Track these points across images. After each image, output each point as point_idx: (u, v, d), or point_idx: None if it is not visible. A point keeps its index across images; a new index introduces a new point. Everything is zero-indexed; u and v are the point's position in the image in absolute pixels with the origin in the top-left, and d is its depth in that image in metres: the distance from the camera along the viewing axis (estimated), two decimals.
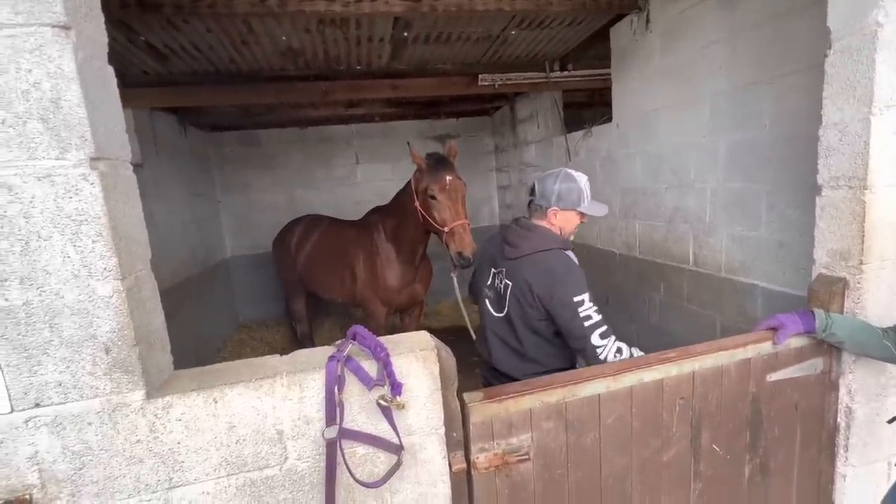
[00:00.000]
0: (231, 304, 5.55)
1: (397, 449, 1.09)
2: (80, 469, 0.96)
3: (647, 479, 1.41)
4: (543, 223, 1.70)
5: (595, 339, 1.48)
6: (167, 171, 4.07)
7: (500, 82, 4.03)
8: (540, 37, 3.46)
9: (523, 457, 1.24)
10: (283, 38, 2.94)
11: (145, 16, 2.32)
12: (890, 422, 1.48)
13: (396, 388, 1.07)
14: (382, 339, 1.14)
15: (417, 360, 1.12)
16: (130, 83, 3.22)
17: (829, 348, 1.52)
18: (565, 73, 4.07)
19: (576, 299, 1.50)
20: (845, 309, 1.50)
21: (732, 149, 2.33)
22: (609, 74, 3.44)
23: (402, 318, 3.67)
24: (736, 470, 1.51)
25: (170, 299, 4.03)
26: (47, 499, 0.95)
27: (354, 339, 1.12)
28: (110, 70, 0.99)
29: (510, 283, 1.66)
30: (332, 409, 1.04)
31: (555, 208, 1.66)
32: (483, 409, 1.22)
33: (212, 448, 1.02)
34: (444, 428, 1.17)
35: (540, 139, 4.68)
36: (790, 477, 1.58)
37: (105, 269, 0.92)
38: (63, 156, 0.87)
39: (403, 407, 1.10)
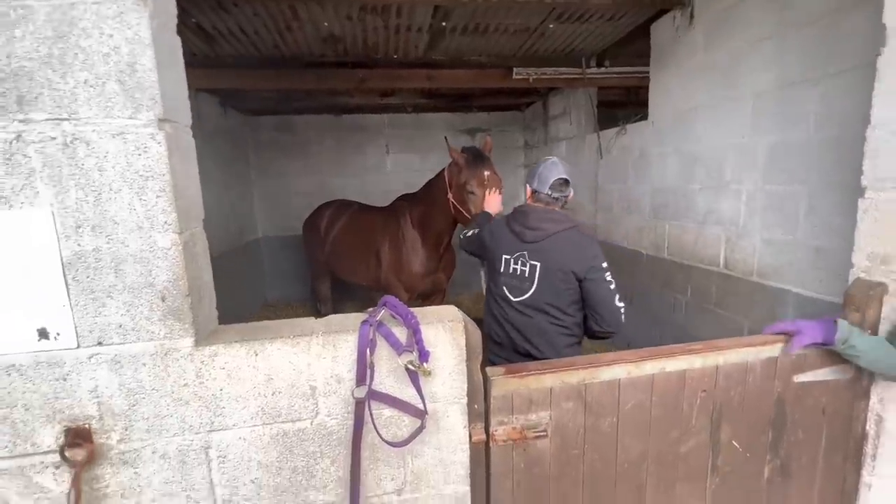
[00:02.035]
0: (259, 283, 5.74)
1: (421, 414, 1.14)
2: (134, 405, 1.05)
3: (662, 468, 1.42)
4: (555, 208, 1.85)
5: (617, 301, 1.73)
6: (207, 150, 4.24)
7: (534, 76, 4.02)
8: (578, 31, 3.44)
9: (541, 433, 1.28)
10: (326, 24, 3.02)
11: None
12: None
13: (424, 355, 1.12)
14: (412, 309, 1.19)
15: (445, 331, 1.16)
16: None
17: None
18: (602, 69, 4.02)
19: (604, 265, 1.73)
20: (882, 315, 1.46)
21: (773, 150, 2.28)
22: (646, 73, 3.39)
23: (423, 305, 3.73)
24: (755, 469, 1.50)
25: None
26: (104, 430, 1.04)
27: (386, 307, 1.17)
28: (178, 40, 1.07)
29: (538, 264, 1.76)
30: (363, 370, 1.10)
31: (571, 192, 1.88)
32: (505, 383, 1.25)
33: (250, 397, 1.10)
34: (466, 398, 1.21)
35: (571, 136, 4.65)
36: (812, 481, 1.55)
37: (165, 222, 0.99)
38: (135, 116, 0.95)
39: (430, 374, 1.15)
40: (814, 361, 1.46)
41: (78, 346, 1.00)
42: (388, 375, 1.15)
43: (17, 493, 1.03)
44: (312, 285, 4.59)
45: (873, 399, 1.52)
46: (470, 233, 2.19)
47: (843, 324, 1.37)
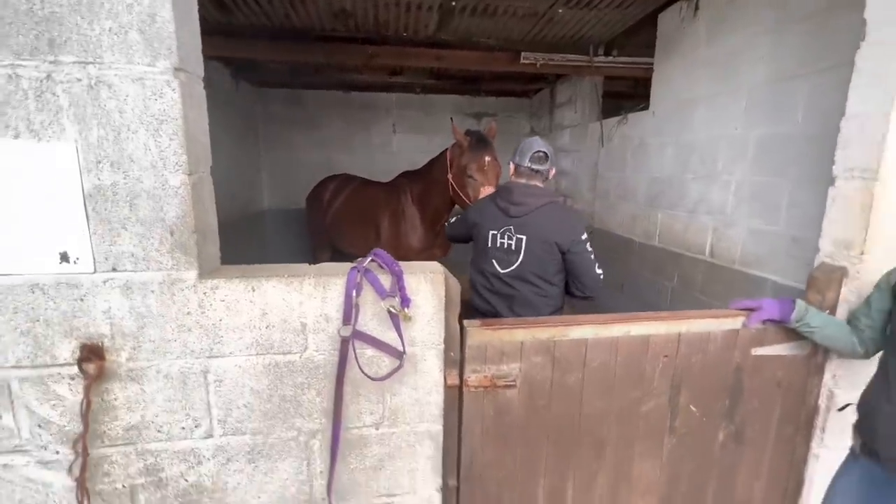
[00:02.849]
0: (263, 253, 5.88)
1: (400, 354, 1.25)
2: (142, 328, 1.17)
3: (623, 425, 1.53)
4: (537, 182, 1.95)
5: (597, 269, 1.89)
6: (215, 118, 4.29)
7: (542, 62, 4.05)
8: (587, 18, 3.47)
9: (510, 383, 1.39)
10: None
11: None
12: (841, 409, 1.54)
13: (406, 301, 1.23)
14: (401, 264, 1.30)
15: (427, 281, 1.27)
16: None
17: None
18: (609, 58, 4.06)
19: (584, 237, 1.87)
20: (841, 297, 1.56)
21: (762, 142, 2.35)
22: (652, 64, 3.43)
23: None
24: (710, 433, 1.61)
25: None
26: (115, 348, 1.17)
27: (375, 257, 1.28)
28: None
29: (524, 237, 1.88)
30: (349, 311, 1.21)
31: (552, 169, 1.98)
32: (479, 334, 1.37)
33: (246, 329, 1.21)
34: (443, 345, 1.33)
35: (575, 124, 4.70)
36: (764, 449, 1.67)
37: (177, 163, 1.10)
38: (154, 63, 1.05)
39: (410, 319, 1.26)
40: (772, 336, 1.56)
41: (94, 271, 1.12)
42: (372, 318, 1.26)
43: (36, 399, 1.16)
44: (313, 257, 4.71)
45: (827, 375, 1.63)
46: (454, 219, 2.30)
47: (800, 304, 1.47)
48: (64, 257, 1.10)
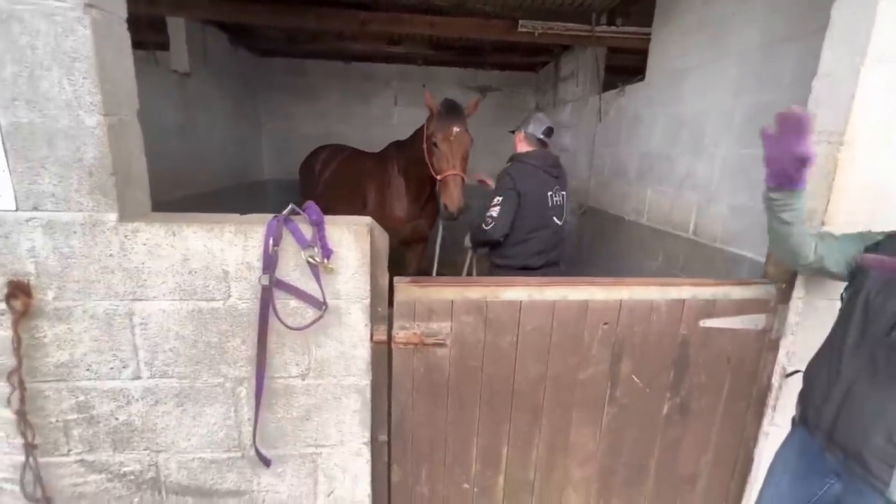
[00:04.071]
0: None
1: (320, 304, 1.25)
2: (66, 268, 1.19)
3: (560, 392, 1.51)
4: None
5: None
6: (213, 86, 4.35)
7: (540, 30, 3.91)
8: None
9: (440, 341, 1.38)
10: None
11: None
12: (788, 375, 1.48)
13: (326, 251, 1.22)
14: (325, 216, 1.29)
15: (350, 233, 1.26)
16: None
17: (774, 306, 1.52)
18: (612, 28, 3.88)
19: None
20: (798, 277, 1.48)
21: (749, 112, 2.22)
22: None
23: (405, 252, 3.84)
24: (654, 405, 1.58)
25: (205, 203, 4.45)
26: (41, 286, 1.20)
27: (304, 210, 1.27)
28: None
29: (564, 192, 2.50)
30: (269, 260, 1.21)
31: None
32: (408, 290, 1.35)
33: (168, 274, 1.23)
34: (369, 299, 1.32)
35: (576, 98, 4.54)
36: (711, 424, 1.63)
37: (91, 103, 1.10)
38: None
39: (332, 271, 1.26)
40: (724, 309, 1.50)
41: (17, 209, 1.14)
42: (295, 269, 1.26)
43: None
44: None
45: (781, 352, 1.56)
46: (495, 212, 2.32)
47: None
48: None
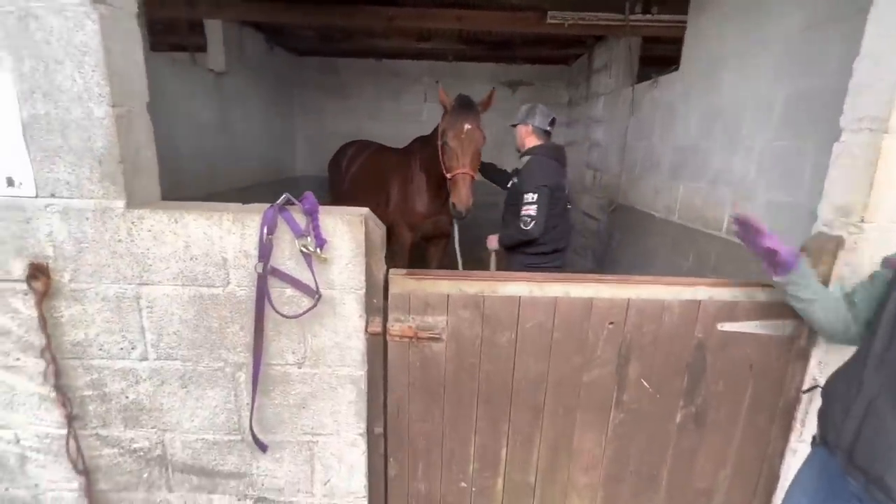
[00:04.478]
0: None
1: (314, 293, 1.25)
2: (80, 252, 1.26)
3: (563, 393, 1.45)
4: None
5: None
6: (249, 84, 4.52)
7: (570, 21, 3.78)
8: None
9: (435, 335, 1.35)
10: None
11: None
12: (806, 391, 1.34)
13: (320, 241, 1.23)
14: (325, 207, 1.29)
15: (344, 223, 1.25)
16: None
17: None
18: (647, 16, 3.69)
19: None
20: (834, 272, 1.34)
21: (790, 101, 2.04)
22: None
23: (427, 247, 3.83)
24: (666, 411, 1.48)
25: (242, 198, 4.64)
26: (58, 269, 1.27)
27: (302, 200, 1.28)
28: None
29: (567, 178, 2.63)
30: (264, 248, 1.23)
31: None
32: (403, 282, 1.34)
33: (172, 260, 1.27)
34: (363, 290, 1.31)
35: (609, 91, 4.36)
36: (730, 437, 1.51)
37: (100, 94, 1.15)
38: None
39: (325, 261, 1.26)
40: (745, 312, 1.39)
41: (36, 196, 1.22)
42: (291, 258, 1.27)
43: None
44: None
45: (812, 362, 1.42)
46: (533, 211, 2.34)
47: (805, 261, 1.24)
48: (10, 182, 1.21)
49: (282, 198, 1.25)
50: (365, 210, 1.32)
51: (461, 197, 2.61)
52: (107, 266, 1.27)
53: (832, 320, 1.19)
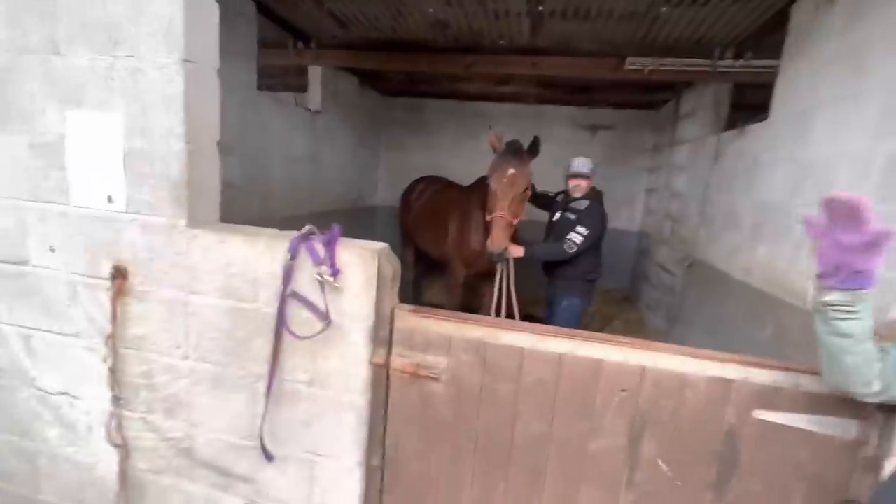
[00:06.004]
0: None
1: (324, 317, 1.34)
2: (151, 259, 1.50)
3: (567, 461, 1.34)
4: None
5: None
6: (340, 122, 5.04)
7: (650, 67, 3.68)
8: (701, 15, 3.04)
9: (434, 375, 1.36)
10: (430, 10, 3.32)
11: None
12: None
13: (334, 270, 1.32)
14: (346, 239, 1.40)
15: (357, 257, 1.34)
16: (322, 45, 4.13)
17: (869, 411, 1.14)
18: (738, 62, 3.46)
19: None
20: None
21: (893, 160, 1.75)
22: None
23: (481, 283, 3.83)
24: (688, 502, 1.29)
25: (323, 221, 5.13)
26: (133, 273, 1.53)
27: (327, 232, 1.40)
28: (212, 7, 1.45)
29: None
30: (287, 272, 1.36)
31: None
32: (407, 318, 1.37)
33: (216, 274, 1.46)
34: (371, 321, 1.37)
35: (694, 138, 4.09)
36: None
37: (179, 133, 1.40)
38: (169, 56, 1.36)
39: (338, 290, 1.35)
40: (791, 402, 1.19)
41: (126, 211, 1.49)
42: (309, 284, 1.38)
43: (88, 301, 1.59)
44: (401, 252, 5.09)
45: (886, 473, 1.15)
46: (579, 240, 2.87)
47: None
48: (110, 199, 1.50)
49: (306, 228, 1.38)
50: (381, 245, 1.40)
51: (492, 239, 2.69)
52: (167, 274, 1.50)
53: (858, 371, 0.97)
